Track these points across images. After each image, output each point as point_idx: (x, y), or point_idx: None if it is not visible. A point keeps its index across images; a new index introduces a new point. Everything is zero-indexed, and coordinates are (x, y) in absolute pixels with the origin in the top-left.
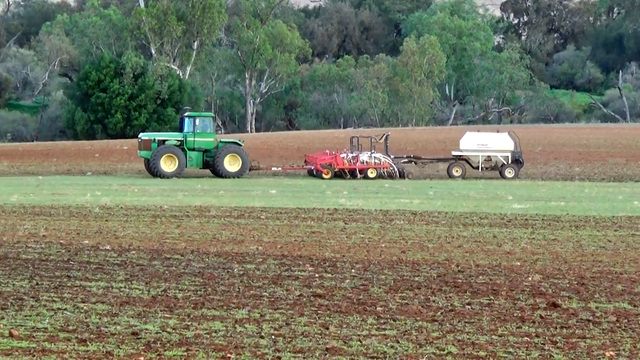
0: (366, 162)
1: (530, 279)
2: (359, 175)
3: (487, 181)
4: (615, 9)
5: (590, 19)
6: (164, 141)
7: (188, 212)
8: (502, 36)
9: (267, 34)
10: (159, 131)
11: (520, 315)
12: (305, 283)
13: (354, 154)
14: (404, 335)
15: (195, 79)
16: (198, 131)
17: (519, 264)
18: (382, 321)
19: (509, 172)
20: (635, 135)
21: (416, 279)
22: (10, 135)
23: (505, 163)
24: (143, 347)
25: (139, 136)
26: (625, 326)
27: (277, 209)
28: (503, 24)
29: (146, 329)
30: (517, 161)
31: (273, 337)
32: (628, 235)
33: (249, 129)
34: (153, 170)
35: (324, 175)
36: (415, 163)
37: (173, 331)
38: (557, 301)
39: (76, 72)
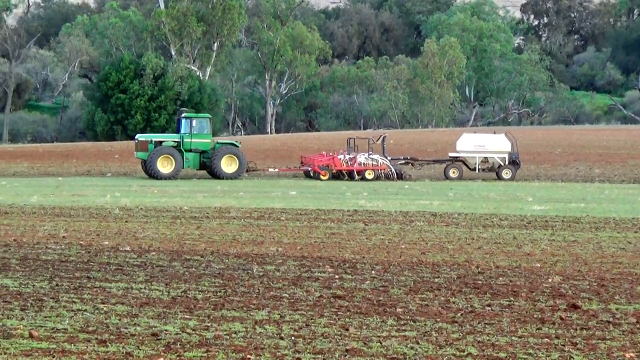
0: (364, 163)
1: (550, 280)
2: (356, 177)
3: (507, 183)
4: (636, 10)
5: (611, 20)
6: (161, 142)
7: (208, 213)
8: (522, 38)
9: (287, 35)
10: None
11: (540, 316)
12: (325, 284)
13: (351, 156)
14: (424, 336)
15: (215, 80)
16: (195, 132)
17: (539, 265)
18: (402, 322)
19: (506, 174)
20: None
21: (436, 280)
22: (30, 136)
23: (502, 164)
24: (163, 348)
25: (136, 137)
26: None
27: (297, 210)
28: (523, 25)
29: (166, 330)
30: (514, 162)
31: (293, 338)
32: None
33: (269, 130)
34: (149, 172)
35: (322, 177)
36: (412, 164)
37: (193, 332)
38: (577, 302)
39: (96, 73)
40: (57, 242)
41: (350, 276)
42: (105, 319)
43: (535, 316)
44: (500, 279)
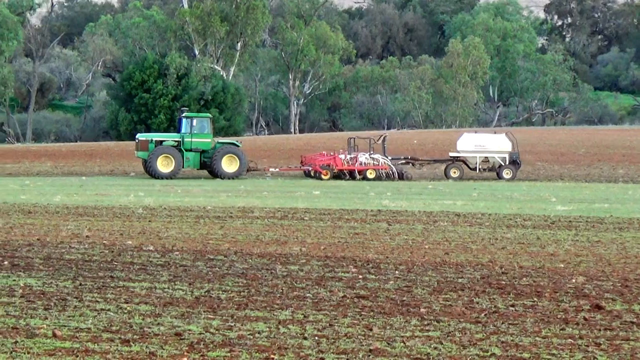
0: (365, 163)
1: (573, 280)
2: (357, 176)
3: (531, 183)
4: None
5: (635, 20)
6: (161, 142)
7: (231, 213)
8: (545, 38)
9: (310, 35)
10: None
11: (563, 317)
12: (348, 284)
13: (353, 155)
14: (448, 336)
15: (238, 80)
16: (195, 132)
17: (562, 265)
18: (425, 322)
19: (506, 173)
20: None
21: (460, 280)
22: (53, 136)
23: (503, 164)
24: (186, 348)
25: (137, 137)
26: None
27: (320, 210)
28: (547, 25)
29: (189, 330)
30: (514, 162)
31: (316, 338)
32: None
33: (292, 130)
34: (149, 171)
35: (323, 176)
36: (413, 164)
37: (216, 332)
38: (600, 303)
39: (119, 73)
40: (81, 241)
41: (373, 276)
42: (129, 319)
43: (558, 316)
44: (524, 279)
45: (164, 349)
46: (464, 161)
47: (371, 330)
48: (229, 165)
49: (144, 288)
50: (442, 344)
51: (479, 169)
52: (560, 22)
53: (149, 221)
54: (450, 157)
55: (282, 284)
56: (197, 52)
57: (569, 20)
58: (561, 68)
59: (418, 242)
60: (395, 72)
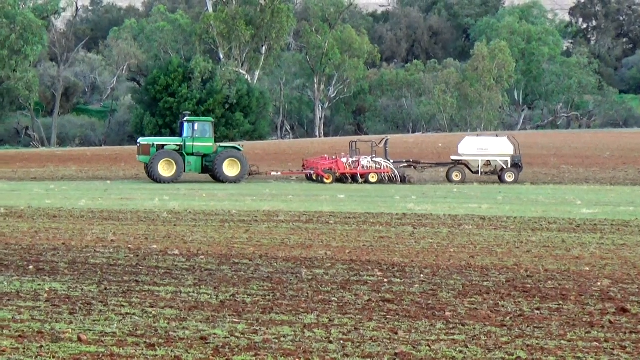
0: (367, 166)
1: (599, 284)
2: (360, 180)
3: (556, 186)
4: None
5: None
6: (163, 146)
7: (256, 216)
8: (570, 41)
9: (335, 39)
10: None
11: (589, 320)
12: (374, 288)
13: (355, 159)
14: (473, 340)
15: (263, 84)
16: (197, 136)
17: (587, 269)
18: (451, 326)
19: (508, 177)
20: None
21: (485, 284)
22: (78, 140)
23: (505, 167)
24: (212, 352)
25: (138, 141)
26: None
27: (345, 213)
28: (572, 28)
29: (215, 334)
30: (516, 165)
31: (342, 342)
32: None
33: (317, 133)
34: (151, 175)
35: (325, 180)
36: (415, 167)
37: (242, 336)
38: (626, 306)
39: (144, 77)
40: (106, 245)
41: (399, 280)
42: (154, 323)
43: (584, 320)
44: (549, 282)
45: (189, 353)
46: (466, 164)
47: (396, 333)
48: (230, 169)
49: (169, 292)
50: (467, 347)
51: (481, 172)
52: (585, 25)
53: (174, 225)
54: (452, 160)
55: (308, 288)
56: (222, 56)
57: (594, 23)
58: (586, 71)
59: (443, 245)
60: (420, 75)
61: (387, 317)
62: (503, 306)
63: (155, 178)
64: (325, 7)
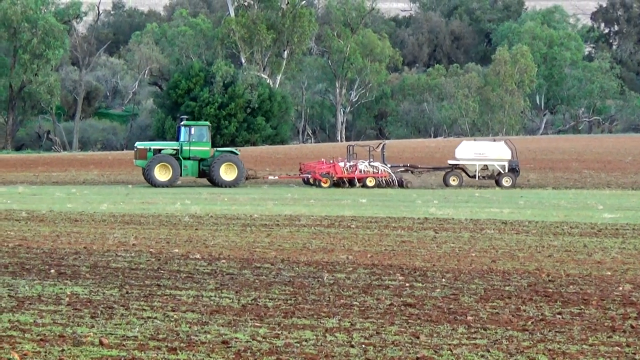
0: (364, 170)
1: (621, 288)
2: (357, 184)
3: (578, 190)
4: None
5: None
6: (159, 150)
7: (278, 221)
8: (592, 45)
9: (357, 43)
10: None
11: (610, 324)
12: (395, 292)
13: (352, 163)
14: (495, 344)
15: (285, 88)
16: (194, 140)
17: (609, 273)
18: (472, 330)
19: (506, 181)
20: None
21: (507, 288)
22: (100, 144)
23: (502, 172)
24: (233, 356)
25: (135, 145)
26: None
27: (367, 218)
28: (594, 33)
29: (236, 338)
30: (513, 170)
31: (363, 346)
32: None
33: (339, 138)
34: (147, 179)
35: (323, 184)
36: (412, 172)
37: (263, 340)
38: None
39: (166, 81)
40: (127, 249)
41: (420, 284)
42: (176, 327)
43: (606, 324)
44: (571, 287)
45: (210, 357)
46: (463, 169)
47: (418, 338)
48: (227, 173)
49: (190, 296)
50: (489, 352)
51: (478, 176)
52: (607, 30)
53: (196, 229)
54: (450, 164)
55: (329, 292)
56: (243, 60)
57: (616, 28)
58: (608, 76)
59: (465, 250)
60: (441, 80)
61: (409, 321)
62: (525, 310)
63: (151, 182)
64: (347, 12)
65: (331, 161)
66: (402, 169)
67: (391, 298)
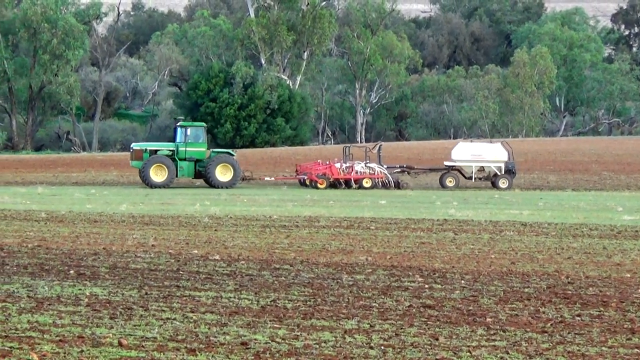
0: (361, 172)
1: None
2: (354, 185)
3: (597, 192)
4: None
5: None
6: (156, 151)
7: (297, 222)
8: (612, 47)
9: (377, 45)
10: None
11: (630, 326)
12: (414, 294)
13: (349, 164)
14: (514, 346)
15: (305, 89)
16: (190, 141)
17: (629, 275)
18: (491, 332)
19: (502, 183)
20: None
21: (526, 290)
22: (119, 145)
23: (499, 173)
24: (252, 357)
25: (131, 146)
26: None
27: (386, 219)
28: (614, 35)
29: (255, 339)
30: (509, 171)
31: (382, 347)
32: None
33: (358, 139)
34: (143, 180)
35: (319, 185)
36: (409, 173)
37: (282, 341)
38: None
39: (186, 82)
40: (147, 250)
41: (440, 286)
42: (195, 328)
43: (625, 326)
44: (590, 289)
45: (229, 359)
46: (460, 170)
47: (437, 339)
48: (223, 174)
49: (210, 297)
50: (508, 353)
51: (475, 177)
52: (627, 32)
53: (215, 230)
54: (446, 166)
55: (348, 294)
56: (263, 61)
57: (636, 29)
58: (628, 77)
59: (484, 251)
60: (461, 81)
61: (428, 323)
62: (544, 312)
63: (147, 183)
64: (367, 13)
65: (327, 162)
66: (399, 170)
67: (410, 299)
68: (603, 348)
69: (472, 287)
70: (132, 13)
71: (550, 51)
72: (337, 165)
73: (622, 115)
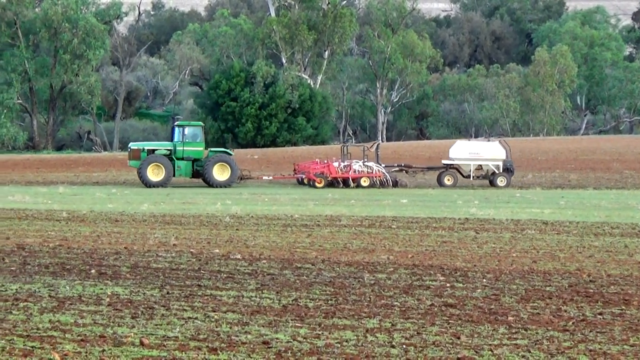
0: (359, 170)
1: None
2: (352, 184)
3: (619, 191)
4: None
5: None
6: (153, 151)
7: (319, 221)
8: (633, 46)
9: (398, 44)
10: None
11: None
12: (436, 293)
13: (347, 163)
14: (536, 345)
15: (326, 88)
16: (187, 140)
17: None
18: (513, 331)
19: (500, 181)
20: None
21: (547, 288)
22: None
23: (497, 172)
24: (274, 357)
25: (129, 146)
26: None
27: (408, 218)
28: (635, 33)
29: (277, 338)
30: (508, 170)
31: (404, 346)
32: None
33: (379, 138)
34: (141, 179)
35: (317, 184)
36: (407, 172)
37: (304, 340)
38: None
39: (206, 81)
40: (168, 250)
41: (461, 284)
42: (216, 327)
43: None
44: (612, 287)
45: (251, 358)
46: (457, 168)
47: (459, 338)
48: (220, 173)
49: (231, 296)
50: (529, 352)
51: (473, 176)
52: None
53: (237, 229)
54: (444, 164)
55: (370, 293)
56: (284, 61)
57: None
58: None
59: (506, 250)
60: (482, 80)
61: (450, 321)
62: (565, 311)
63: (144, 182)
64: (388, 12)
65: (325, 161)
66: (397, 168)
67: (432, 298)
68: (625, 346)
69: (493, 286)
70: (152, 13)
71: (571, 50)
72: (335, 164)
73: None
